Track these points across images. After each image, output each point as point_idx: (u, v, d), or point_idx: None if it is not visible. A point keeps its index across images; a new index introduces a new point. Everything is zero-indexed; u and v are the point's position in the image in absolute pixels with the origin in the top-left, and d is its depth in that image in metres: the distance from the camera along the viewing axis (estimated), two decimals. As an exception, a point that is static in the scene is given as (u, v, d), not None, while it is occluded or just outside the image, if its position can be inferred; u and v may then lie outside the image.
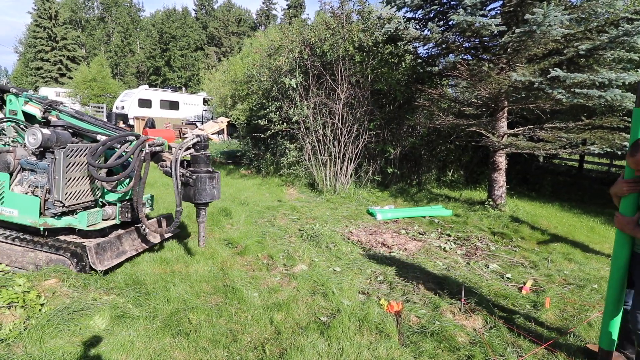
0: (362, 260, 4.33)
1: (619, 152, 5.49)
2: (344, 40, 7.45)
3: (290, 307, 3.08)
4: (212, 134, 19.24)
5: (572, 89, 5.10)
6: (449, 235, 5.60)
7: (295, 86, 7.46)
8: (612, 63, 6.15)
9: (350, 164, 8.02)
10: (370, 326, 2.86)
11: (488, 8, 6.68)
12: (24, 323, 2.51)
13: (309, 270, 3.86)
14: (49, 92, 35.28)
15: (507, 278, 4.14)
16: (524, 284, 3.97)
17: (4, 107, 3.76)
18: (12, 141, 3.61)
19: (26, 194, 3.38)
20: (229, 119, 18.52)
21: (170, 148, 3.72)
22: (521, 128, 6.82)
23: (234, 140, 16.08)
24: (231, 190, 7.78)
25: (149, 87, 29.07)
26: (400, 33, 6.69)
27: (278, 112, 7.86)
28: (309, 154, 7.90)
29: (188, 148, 3.49)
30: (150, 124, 19.29)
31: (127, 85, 47.17)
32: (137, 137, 3.63)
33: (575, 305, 3.57)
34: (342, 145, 7.85)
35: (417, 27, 7.51)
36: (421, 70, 7.95)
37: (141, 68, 56.54)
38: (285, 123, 7.83)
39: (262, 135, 8.37)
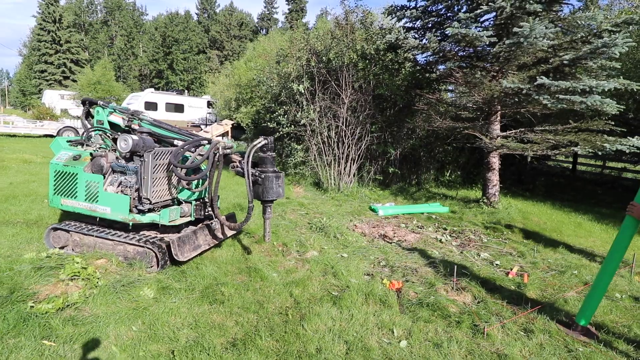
0: (366, 248, 4.82)
1: (600, 152, 5.98)
2: (348, 49, 7.99)
3: (305, 284, 3.57)
4: (217, 136, 19.74)
5: (557, 95, 5.61)
6: (445, 229, 6.09)
7: (302, 91, 7.98)
8: (598, 70, 6.67)
9: (353, 164, 8.52)
10: (375, 299, 3.35)
11: (482, 19, 7.22)
12: (87, 292, 3.00)
13: (319, 256, 4.36)
14: (53, 94, 35.86)
15: (496, 265, 4.63)
16: (511, 269, 4.45)
17: (91, 117, 4.20)
18: (99, 147, 4.02)
19: (117, 193, 3.70)
20: (233, 122, 19.03)
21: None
22: (513, 131, 7.33)
23: (242, 142, 16.57)
24: (242, 189, 8.28)
25: (155, 90, 29.59)
26: (400, 42, 7.21)
27: (286, 116, 8.38)
28: (314, 155, 8.41)
29: (257, 150, 3.77)
30: (157, 126, 19.79)
31: (130, 88, 47.74)
32: (209, 141, 3.90)
33: (555, 287, 4.06)
34: (346, 147, 8.36)
35: (416, 36, 8.04)
36: (420, 77, 8.47)
37: (144, 71, 57.16)
38: (292, 125, 8.34)
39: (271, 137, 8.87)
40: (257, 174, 3.74)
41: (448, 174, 10.21)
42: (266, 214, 3.93)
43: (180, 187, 3.96)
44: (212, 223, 4.24)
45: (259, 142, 3.79)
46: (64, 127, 17.24)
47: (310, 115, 8.07)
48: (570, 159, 14.02)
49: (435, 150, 9.87)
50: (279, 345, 2.63)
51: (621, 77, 7.02)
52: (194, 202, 4.06)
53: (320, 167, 8.45)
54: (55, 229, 3.96)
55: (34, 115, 20.60)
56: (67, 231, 3.90)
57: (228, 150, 3.90)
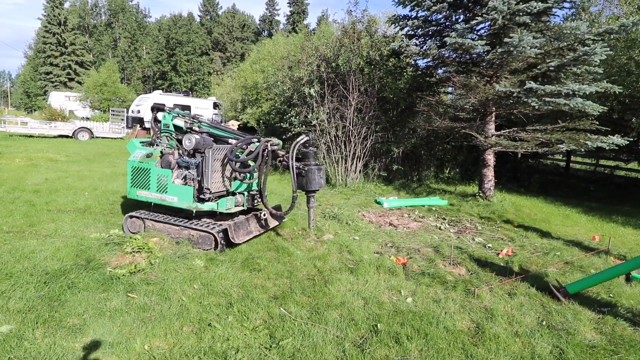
0: (374, 233, 5.49)
1: (582, 150, 6.65)
2: (355, 55, 8.67)
3: (325, 259, 4.24)
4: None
5: (543, 98, 6.28)
6: (444, 218, 6.76)
7: (313, 94, 8.66)
8: (584, 74, 7.33)
9: (359, 161, 9.20)
10: (384, 270, 4.02)
11: (479, 27, 7.89)
12: (152, 261, 3.67)
13: (334, 238, 5.03)
14: (59, 96, 36.53)
15: (488, 247, 5.30)
16: (502, 250, 5.13)
17: (158, 122, 4.81)
18: (166, 147, 4.64)
19: (182, 185, 4.27)
20: (239, 122, 19.68)
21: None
22: (507, 130, 8.00)
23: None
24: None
25: (163, 92, 30.29)
26: (403, 49, 7.88)
27: (298, 117, 9.06)
28: (323, 153, 9.09)
29: (300, 145, 4.22)
30: (167, 127, 20.48)
31: (134, 90, 48.41)
32: (259, 139, 4.33)
33: (538, 264, 4.72)
34: (352, 145, 9.04)
35: (417, 43, 8.72)
36: (421, 80, 9.14)
37: (147, 72, 57.89)
38: (303, 126, 9.02)
39: (283, 137, 9.55)
40: (300, 167, 4.18)
41: (447, 171, 10.87)
42: (310, 203, 4.36)
43: (234, 180, 4.44)
44: (260, 212, 4.74)
45: (302, 139, 4.23)
46: (79, 128, 17.92)
47: (320, 116, 8.75)
48: (565, 157, 14.69)
49: (435, 148, 10.54)
50: (310, 299, 3.30)
51: (605, 81, 7.72)
52: (245, 193, 4.57)
53: (329, 164, 9.12)
54: (131, 217, 4.59)
55: (45, 117, 21.28)
56: (141, 218, 4.52)
57: (275, 147, 4.37)
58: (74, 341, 2.53)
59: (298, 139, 4.26)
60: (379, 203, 7.67)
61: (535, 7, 6.42)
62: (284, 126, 9.26)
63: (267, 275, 3.70)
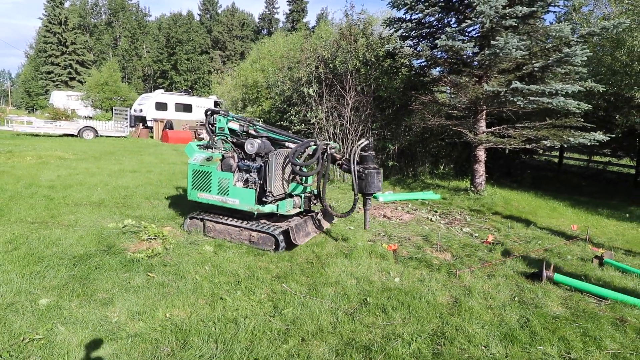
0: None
1: (565, 145, 7.05)
2: (352, 57, 9.07)
3: (323, 245, 4.65)
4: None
5: (528, 97, 6.67)
6: (435, 211, 7.17)
7: (312, 94, 9.06)
8: (571, 74, 7.73)
9: (357, 158, 9.58)
10: (376, 255, 4.44)
11: (470, 29, 8.27)
12: (167, 246, 4.09)
13: (331, 227, 5.44)
14: (60, 95, 36.89)
15: (475, 236, 5.71)
16: (486, 239, 5.53)
17: (214, 124, 4.84)
18: (222, 150, 4.70)
19: (244, 187, 4.36)
20: (240, 121, 20.05)
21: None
22: (497, 127, 8.40)
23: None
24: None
25: (165, 91, 30.68)
26: (397, 50, 8.27)
27: (297, 115, 9.47)
28: (322, 150, 9.48)
29: (360, 150, 4.25)
30: (169, 125, 20.89)
31: (135, 89, 48.79)
32: (315, 143, 4.36)
33: (520, 251, 5.13)
34: (350, 143, 9.44)
35: (411, 44, 9.11)
36: (415, 80, 9.54)
37: (148, 71, 58.21)
38: (303, 124, 9.42)
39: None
40: (361, 170, 4.20)
41: (442, 167, 11.29)
42: (367, 206, 4.38)
43: (293, 182, 4.56)
44: (316, 214, 4.87)
45: (362, 143, 4.26)
46: (84, 127, 18.31)
47: (319, 115, 9.15)
48: (557, 154, 15.09)
49: (430, 145, 10.95)
50: (308, 279, 3.71)
51: (590, 80, 8.11)
52: (303, 196, 4.70)
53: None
54: (191, 218, 4.79)
55: (50, 116, 21.68)
56: (200, 219, 4.70)
57: (333, 151, 4.41)
58: (105, 310, 2.95)
59: (358, 143, 4.29)
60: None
61: (520, 11, 6.80)
62: (284, 124, 9.66)
63: (270, 259, 4.11)
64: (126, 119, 21.70)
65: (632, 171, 13.29)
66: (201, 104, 26.79)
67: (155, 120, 21.60)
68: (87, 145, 15.11)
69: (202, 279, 3.51)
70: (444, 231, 5.88)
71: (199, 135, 20.33)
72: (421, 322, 3.02)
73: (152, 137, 21.56)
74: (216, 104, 27.19)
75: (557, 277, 3.98)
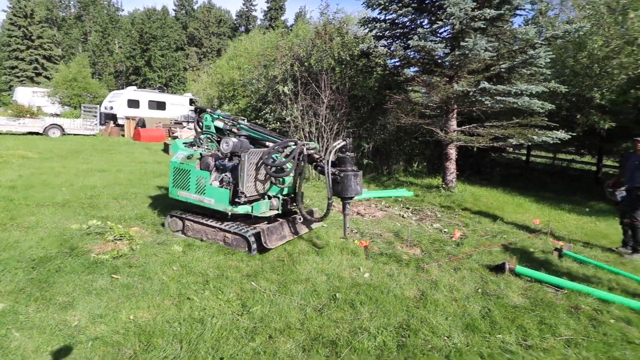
0: (342, 221, 5.94)
1: (529, 143, 7.34)
2: (327, 55, 9.10)
3: (295, 243, 4.66)
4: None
5: (495, 97, 6.90)
6: (408, 208, 7.31)
7: (287, 92, 9.04)
8: (536, 75, 8.04)
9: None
10: (347, 251, 4.48)
11: (442, 30, 8.46)
12: (133, 247, 3.99)
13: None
14: (25, 91, 35.19)
15: (444, 232, 5.87)
16: (455, 234, 5.69)
17: (200, 122, 4.77)
18: (207, 149, 4.64)
19: (220, 187, 4.27)
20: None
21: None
22: (467, 126, 8.64)
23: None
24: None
25: (137, 88, 29.77)
26: (372, 50, 8.36)
27: (272, 114, 9.42)
28: (297, 148, 9.47)
29: (337, 151, 4.10)
30: (142, 123, 20.33)
31: (106, 85, 47.17)
32: (295, 143, 4.27)
33: (486, 245, 5.31)
34: (325, 141, 9.47)
35: (385, 44, 9.23)
36: (389, 79, 9.68)
37: (120, 68, 56.35)
38: (278, 122, 9.38)
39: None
40: (337, 172, 4.06)
41: (415, 165, 11.50)
42: (345, 210, 4.28)
43: (270, 183, 4.44)
44: (296, 217, 4.63)
45: (339, 144, 4.14)
46: (49, 125, 17.56)
47: (294, 113, 9.14)
48: (525, 152, 15.67)
49: (404, 144, 11.14)
50: (279, 276, 3.71)
51: (554, 81, 8.46)
52: (280, 197, 4.56)
53: (303, 159, 9.52)
54: (172, 216, 4.73)
55: (13, 114, 20.63)
56: (180, 218, 4.66)
57: (312, 151, 4.31)
58: (65, 314, 2.85)
59: (335, 144, 4.18)
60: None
61: (489, 14, 7.02)
62: (260, 122, 9.59)
63: (241, 258, 4.08)
64: (96, 116, 20.91)
65: (594, 168, 13.97)
66: (176, 102, 26.19)
67: (127, 118, 20.97)
68: (53, 144, 14.50)
69: (169, 280, 3.45)
70: (415, 227, 6.01)
71: (173, 133, 19.89)
72: (388, 316, 3.08)
73: (123, 135, 20.91)
74: (191, 101, 26.66)
75: (519, 269, 4.14)
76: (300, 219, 4.46)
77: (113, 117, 22.57)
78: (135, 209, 5.74)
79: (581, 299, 3.60)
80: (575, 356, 2.72)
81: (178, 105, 25.94)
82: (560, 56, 9.76)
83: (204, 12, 60.91)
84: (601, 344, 2.90)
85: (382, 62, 9.67)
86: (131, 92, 23.97)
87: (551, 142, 7.23)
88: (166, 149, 14.10)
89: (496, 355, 2.67)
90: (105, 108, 23.48)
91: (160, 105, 24.79)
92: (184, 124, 23.24)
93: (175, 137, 18.85)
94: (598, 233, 6.35)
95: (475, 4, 7.08)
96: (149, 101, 24.12)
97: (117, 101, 23.06)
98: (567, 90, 8.16)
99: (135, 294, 3.20)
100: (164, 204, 6.01)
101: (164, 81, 53.95)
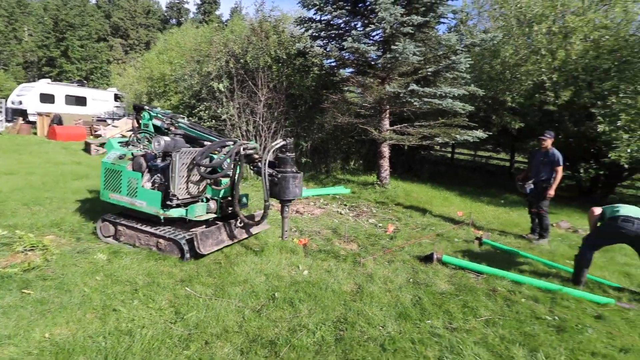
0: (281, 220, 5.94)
1: (453, 142, 7.99)
2: (263, 53, 8.98)
3: (232, 245, 4.55)
4: (127, 131, 18.97)
5: (423, 99, 7.39)
6: (345, 204, 7.53)
7: (222, 89, 8.76)
8: (458, 79, 8.73)
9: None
10: (286, 250, 4.49)
11: (375, 33, 8.81)
12: (48, 258, 3.59)
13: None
14: None
15: (379, 226, 6.15)
16: (389, 228, 5.99)
17: (140, 121, 4.44)
18: (143, 148, 4.28)
19: (152, 189, 4.02)
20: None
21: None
22: (398, 126, 9.13)
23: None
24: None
25: (52, 80, 26.64)
26: (308, 49, 8.45)
27: (207, 111, 9.06)
28: (234, 147, 9.24)
29: (275, 151, 3.95)
30: (58, 120, 18.30)
31: (14, 77, 41.77)
32: (234, 142, 4.11)
33: (416, 237, 5.67)
34: (263, 140, 9.37)
35: (321, 44, 9.38)
36: (326, 79, 9.86)
37: (30, 58, 50.11)
38: (213, 120, 9.05)
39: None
40: (274, 174, 3.92)
41: (352, 163, 11.88)
42: (284, 213, 4.18)
43: (206, 185, 4.21)
44: (236, 220, 4.40)
45: (279, 143, 4.00)
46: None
47: (230, 111, 8.90)
48: (450, 150, 17.02)
49: (341, 142, 11.43)
50: (216, 280, 3.61)
51: (472, 85, 9.27)
52: (219, 200, 4.36)
53: (240, 158, 9.31)
54: (104, 220, 4.32)
55: None
56: (112, 222, 4.32)
57: (251, 151, 4.12)
58: (-39, 339, 2.48)
59: (273, 143, 4.05)
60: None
61: (416, 20, 7.48)
62: (193, 120, 9.17)
63: (174, 263, 3.89)
64: (1, 112, 18.35)
65: (508, 164, 15.61)
66: (98, 97, 24.00)
67: (40, 114, 18.71)
68: (-57, 144, 12.47)
69: (91, 291, 3.16)
70: (352, 223, 6.21)
71: (96, 131, 18.22)
72: (326, 311, 3.16)
73: (35, 133, 18.64)
74: (117, 97, 24.63)
75: (445, 258, 4.50)
76: (240, 222, 4.32)
77: (23, 113, 20.00)
78: (50, 215, 5.16)
79: (497, 282, 4.01)
80: (493, 334, 3.03)
81: (101, 101, 23.80)
82: (478, 62, 10.74)
83: (130, 1, 56.55)
84: (514, 321, 3.26)
85: (318, 62, 9.82)
86: (44, 85, 21.45)
87: (472, 140, 7.93)
88: (87, 149, 12.86)
89: (426, 340, 2.87)
90: (13, 103, 20.71)
91: (80, 101, 22.53)
92: (109, 121, 21.41)
93: (98, 136, 17.28)
94: (511, 222, 7.11)
95: (404, 10, 7.50)
96: (67, 96, 21.79)
97: (27, 95, 20.49)
98: (484, 93, 8.99)
99: (50, 309, 2.88)
100: (84, 209, 5.49)
101: (84, 74, 49.12)
